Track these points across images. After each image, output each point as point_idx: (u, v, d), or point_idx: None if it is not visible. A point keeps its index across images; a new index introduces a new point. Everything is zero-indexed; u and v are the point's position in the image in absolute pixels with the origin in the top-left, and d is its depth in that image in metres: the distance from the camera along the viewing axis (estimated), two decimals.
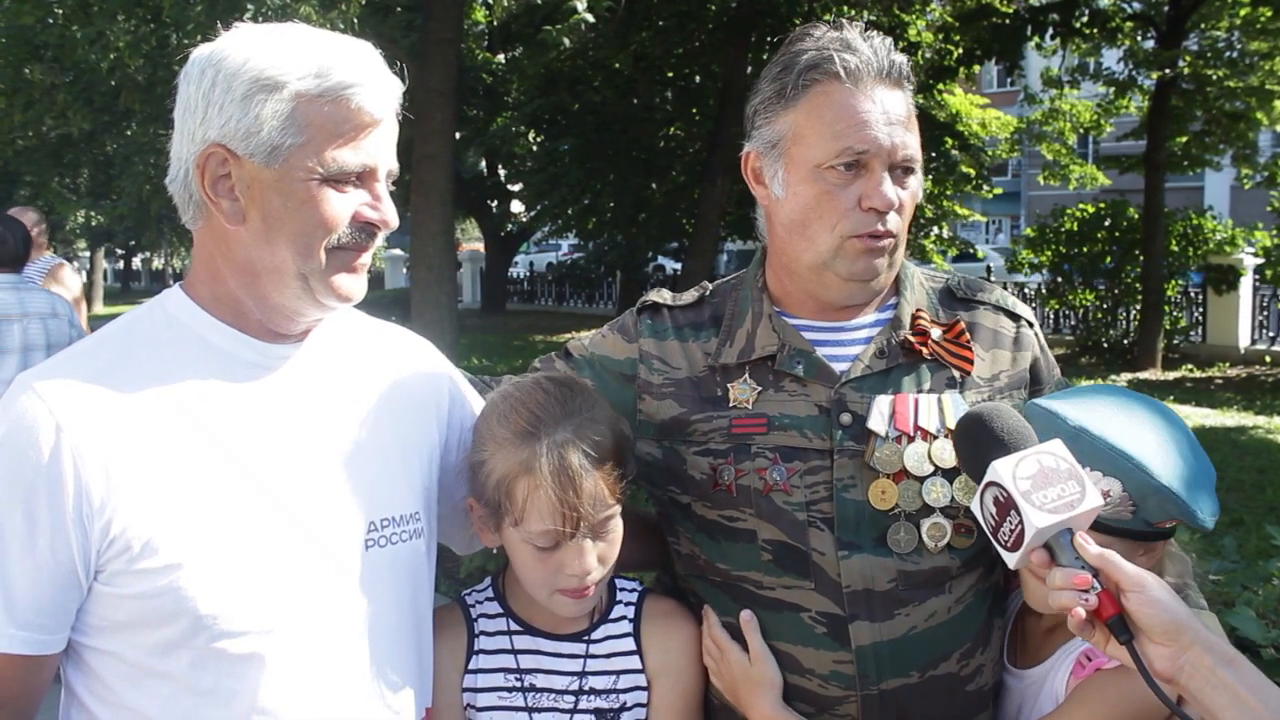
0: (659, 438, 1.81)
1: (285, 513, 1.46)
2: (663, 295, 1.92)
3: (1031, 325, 1.88)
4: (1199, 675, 1.30)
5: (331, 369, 1.58)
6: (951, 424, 1.68)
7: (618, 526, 1.69)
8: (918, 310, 1.79)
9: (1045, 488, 1.37)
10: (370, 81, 1.44)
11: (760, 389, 1.75)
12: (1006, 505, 1.39)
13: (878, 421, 1.68)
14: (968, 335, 1.79)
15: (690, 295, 1.91)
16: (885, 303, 1.81)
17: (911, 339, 1.75)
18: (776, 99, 1.72)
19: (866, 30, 1.73)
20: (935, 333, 1.77)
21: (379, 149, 1.47)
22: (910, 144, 1.69)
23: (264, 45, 1.43)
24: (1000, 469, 1.40)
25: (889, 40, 1.72)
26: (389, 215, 1.49)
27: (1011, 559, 1.41)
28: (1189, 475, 1.61)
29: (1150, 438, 1.63)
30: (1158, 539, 1.66)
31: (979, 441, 1.48)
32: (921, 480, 1.68)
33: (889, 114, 1.67)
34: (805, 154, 1.69)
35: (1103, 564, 1.36)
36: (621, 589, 1.83)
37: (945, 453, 1.68)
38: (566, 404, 1.66)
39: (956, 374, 1.76)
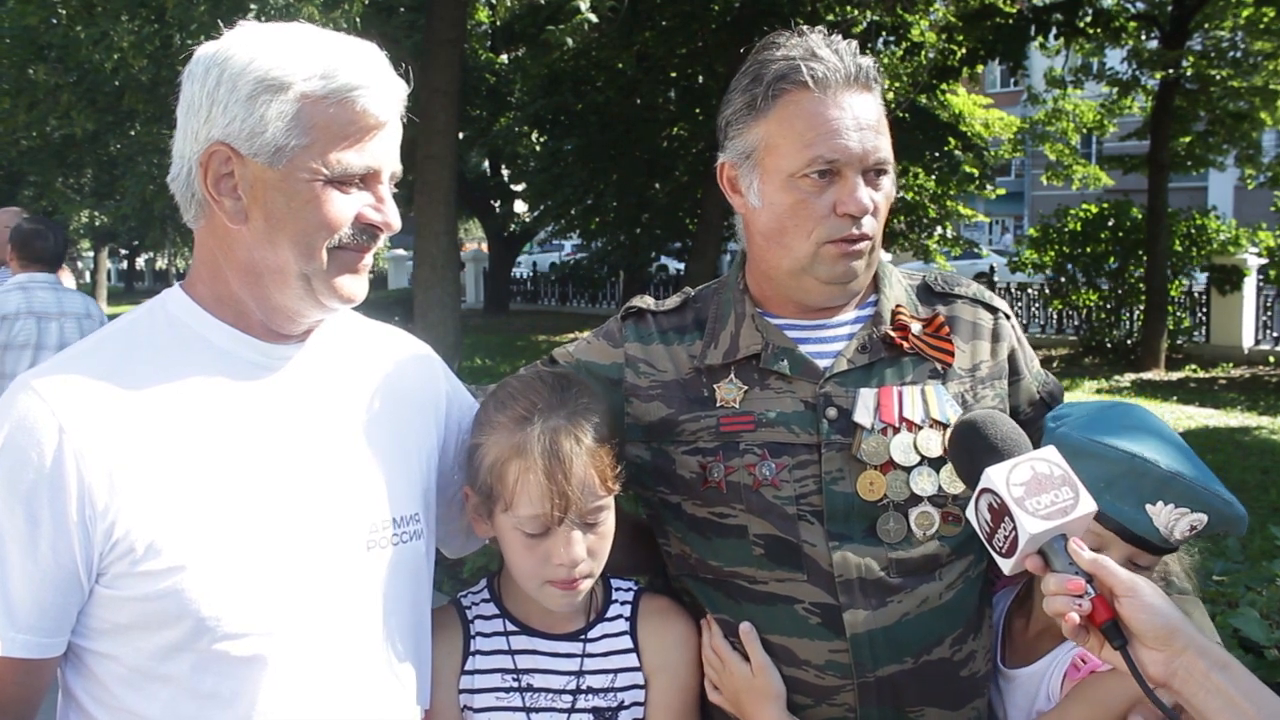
0: (647, 439, 1.83)
1: (286, 514, 1.46)
2: (645, 301, 1.95)
3: (1009, 318, 1.91)
4: (1193, 680, 1.30)
5: (332, 370, 1.58)
6: (935, 414, 1.73)
7: (609, 520, 1.71)
8: (897, 306, 1.82)
9: (1039, 494, 1.38)
10: (376, 83, 1.44)
11: (746, 388, 1.77)
12: (1000, 512, 1.40)
13: (863, 414, 1.72)
14: (947, 329, 1.82)
15: (673, 300, 1.94)
16: (865, 300, 1.84)
17: (892, 334, 1.78)
18: (747, 110, 1.75)
19: (833, 35, 1.75)
20: (915, 327, 1.80)
21: (383, 151, 1.48)
22: (881, 147, 1.72)
23: (269, 45, 1.43)
24: (994, 476, 1.41)
25: (854, 44, 1.74)
26: (391, 217, 1.50)
27: (1006, 565, 1.42)
28: None
29: (1205, 468, 1.71)
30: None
31: (973, 448, 1.49)
32: (908, 470, 1.71)
33: (859, 119, 1.69)
34: (778, 164, 1.71)
35: (1096, 569, 1.36)
36: (617, 588, 1.84)
37: (931, 443, 1.71)
38: (563, 393, 1.69)
39: (939, 366, 1.78)
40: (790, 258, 1.74)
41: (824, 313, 1.81)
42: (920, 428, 1.72)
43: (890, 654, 1.69)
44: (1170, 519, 1.66)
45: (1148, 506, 1.66)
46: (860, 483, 1.71)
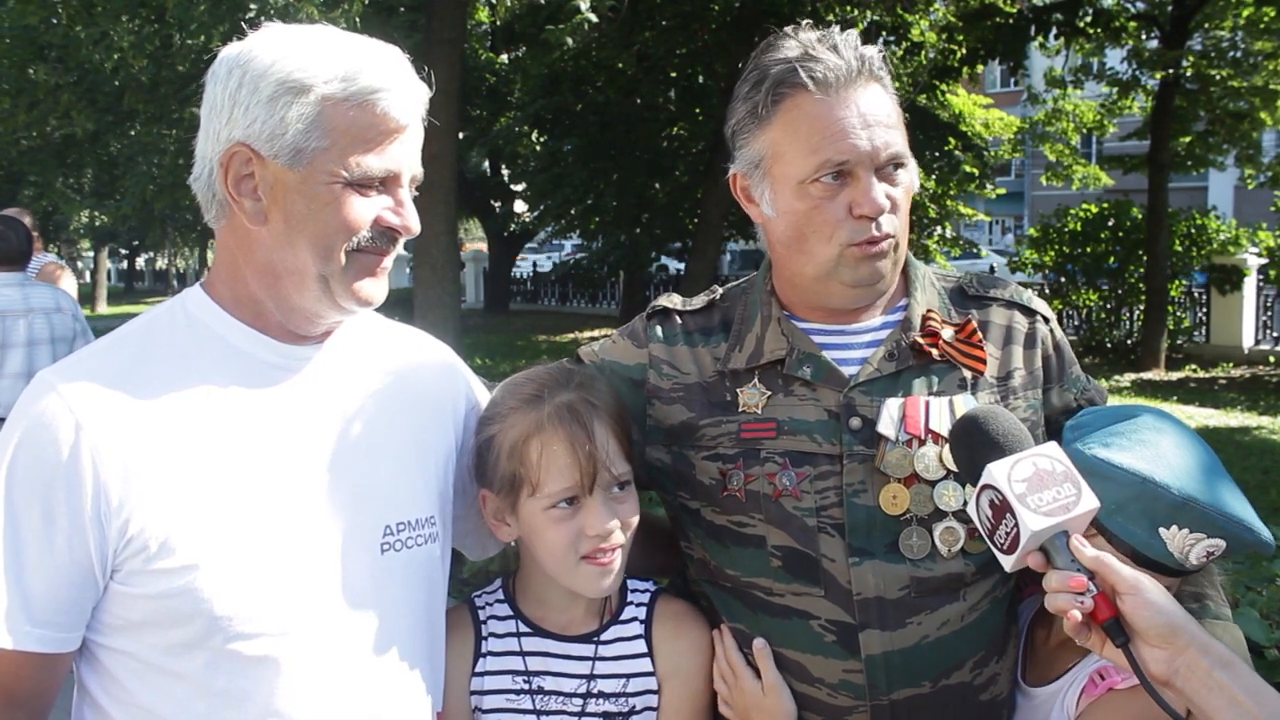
0: (668, 443, 1.80)
1: (301, 515, 1.46)
2: (673, 300, 1.89)
3: (1048, 321, 1.83)
4: (1195, 678, 1.30)
5: (350, 371, 1.58)
6: None
7: (633, 494, 1.71)
8: (928, 311, 1.76)
9: (1041, 490, 1.38)
10: (397, 87, 1.44)
11: (769, 393, 1.73)
12: (1002, 508, 1.39)
13: (887, 425, 1.66)
14: (979, 335, 1.75)
15: (700, 300, 1.88)
16: (895, 304, 1.78)
17: (921, 341, 1.72)
18: (751, 118, 1.69)
19: (844, 30, 1.68)
20: (946, 333, 1.73)
21: (404, 155, 1.47)
22: (893, 140, 1.64)
23: (292, 47, 1.43)
24: (995, 472, 1.40)
25: (855, 35, 1.67)
26: (411, 221, 1.50)
27: (1008, 561, 1.42)
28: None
29: (1233, 487, 1.65)
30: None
31: (974, 444, 1.47)
32: (933, 484, 1.65)
33: (866, 116, 1.62)
34: (787, 171, 1.65)
35: (1098, 566, 1.36)
36: (633, 590, 1.82)
37: None
38: (568, 374, 1.72)
39: (968, 374, 1.72)
40: (814, 264, 1.68)
41: (852, 316, 1.76)
42: (947, 441, 1.63)
43: (907, 677, 1.64)
44: (1185, 544, 1.59)
45: (1161, 530, 1.59)
46: (883, 496, 1.65)
